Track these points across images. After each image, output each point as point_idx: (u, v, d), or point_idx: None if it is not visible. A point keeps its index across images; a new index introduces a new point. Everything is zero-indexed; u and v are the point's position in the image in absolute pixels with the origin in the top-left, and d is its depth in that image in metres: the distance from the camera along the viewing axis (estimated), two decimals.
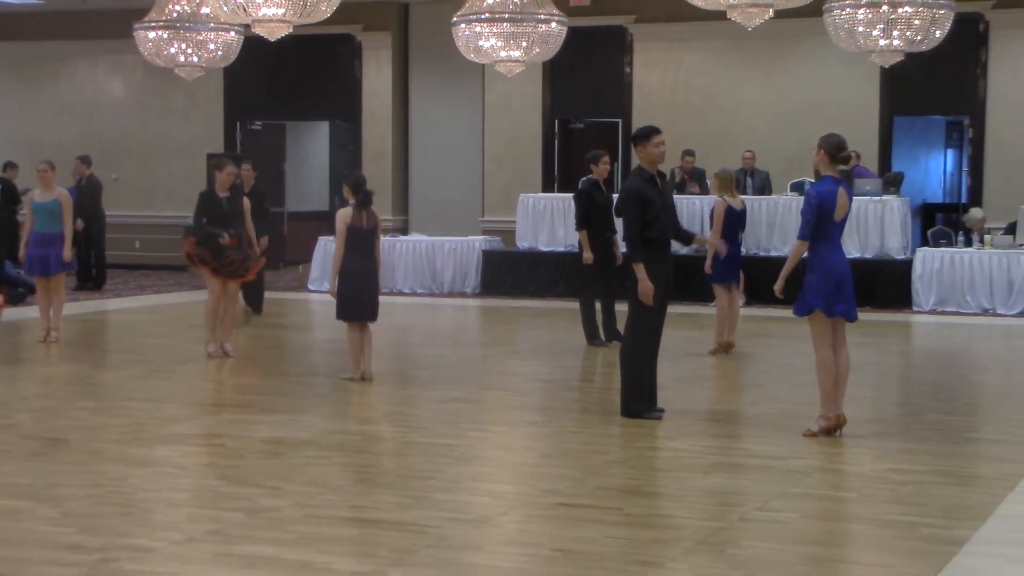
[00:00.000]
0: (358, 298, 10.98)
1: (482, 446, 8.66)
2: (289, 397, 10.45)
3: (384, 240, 20.04)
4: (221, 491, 7.20)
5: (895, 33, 13.45)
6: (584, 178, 13.85)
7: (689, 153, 19.42)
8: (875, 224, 17.99)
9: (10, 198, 17.28)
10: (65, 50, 24.54)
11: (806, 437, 8.65)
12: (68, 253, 13.34)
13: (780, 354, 13.36)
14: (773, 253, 17.93)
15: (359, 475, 7.76)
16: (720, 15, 13.19)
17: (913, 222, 19.09)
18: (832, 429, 8.68)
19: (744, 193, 19.00)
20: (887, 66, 14.62)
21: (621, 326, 12.28)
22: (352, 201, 10.96)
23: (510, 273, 19.27)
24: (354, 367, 11.13)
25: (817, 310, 8.57)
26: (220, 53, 15.33)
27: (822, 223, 8.55)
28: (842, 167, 8.71)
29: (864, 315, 16.65)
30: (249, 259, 12.74)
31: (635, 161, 9.83)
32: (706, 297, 13.34)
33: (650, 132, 9.33)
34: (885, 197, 18.07)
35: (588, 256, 13.15)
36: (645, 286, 9.03)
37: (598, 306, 13.44)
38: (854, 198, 17.81)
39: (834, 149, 8.65)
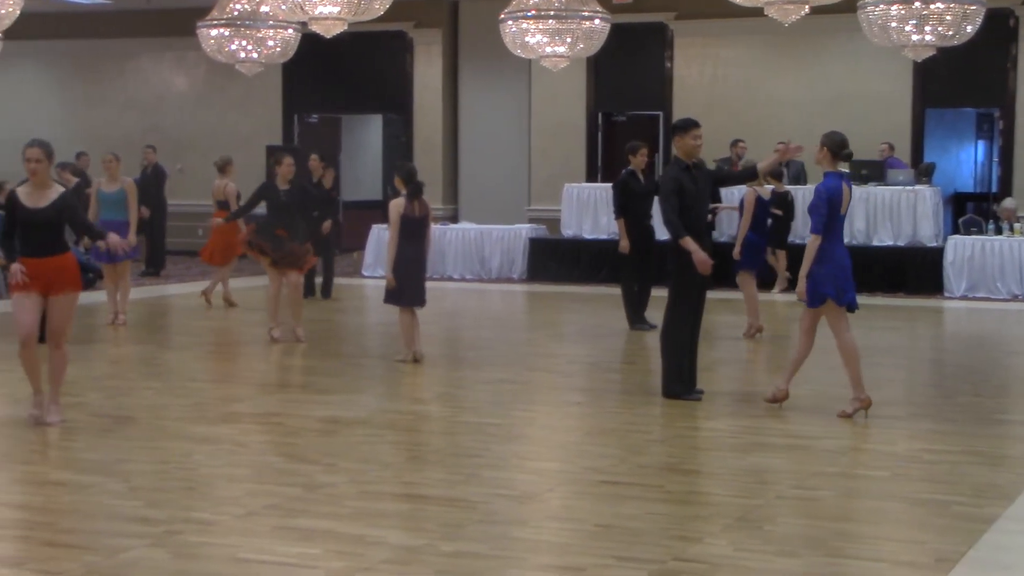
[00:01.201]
0: (411, 284, 10.99)
1: (528, 425, 8.66)
2: (344, 378, 10.49)
3: (435, 228, 20.06)
4: (280, 467, 7.23)
5: (927, 28, 13.32)
6: (629, 168, 13.82)
7: (740, 141, 19.23)
8: (908, 213, 17.83)
9: (83, 186, 17.44)
10: (130, 47, 24.69)
11: (841, 418, 8.63)
12: (133, 238, 13.44)
13: (820, 337, 13.26)
14: (807, 240, 17.83)
15: (410, 453, 7.78)
16: (757, 11, 13.11)
17: (944, 211, 18.90)
18: (867, 407, 8.68)
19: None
20: (919, 60, 14.48)
21: (652, 312, 12.29)
22: (404, 191, 10.97)
23: (555, 260, 19.25)
24: (407, 350, 11.14)
25: (829, 299, 8.62)
26: (279, 49, 15.38)
27: (830, 218, 8.61)
28: (843, 164, 8.76)
29: (896, 301, 16.76)
30: (308, 252, 12.60)
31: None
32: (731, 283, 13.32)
33: (689, 125, 9.34)
34: (917, 187, 17.90)
35: (624, 244, 13.12)
36: (699, 255, 8.95)
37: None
38: (890, 187, 18.01)
39: (837, 147, 8.76)
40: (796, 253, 17.11)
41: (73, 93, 25.26)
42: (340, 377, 10.53)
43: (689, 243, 8.98)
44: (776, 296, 16.75)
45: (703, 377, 9.66)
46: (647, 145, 13.75)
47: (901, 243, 17.75)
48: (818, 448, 7.77)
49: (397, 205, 10.90)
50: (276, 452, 7.73)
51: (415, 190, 10.96)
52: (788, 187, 17.16)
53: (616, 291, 14.14)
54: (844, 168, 8.92)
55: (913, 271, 17.47)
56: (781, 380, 9.08)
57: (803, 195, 18.30)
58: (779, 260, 17.07)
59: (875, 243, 17.85)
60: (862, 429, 8.40)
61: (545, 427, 8.69)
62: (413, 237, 10.93)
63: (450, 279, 19.32)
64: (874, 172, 18.49)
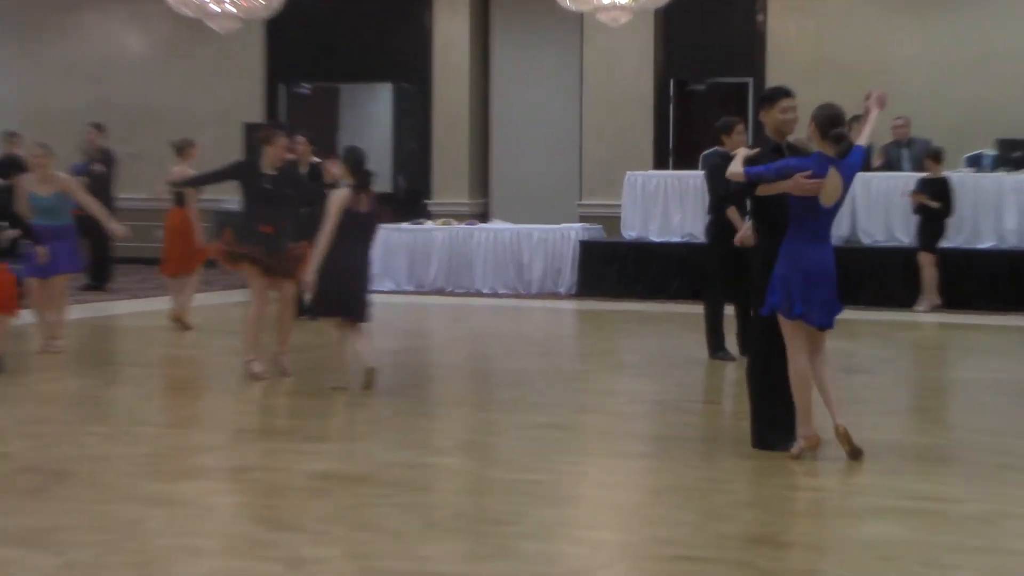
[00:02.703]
0: (351, 293, 11.32)
1: (578, 483, 8.59)
2: (341, 421, 10.46)
3: (460, 228, 20.14)
4: (257, 538, 7.18)
5: None
6: (710, 150, 13.73)
7: (855, 118, 19.05)
8: None
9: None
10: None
11: (792, 459, 8.86)
12: (116, 227, 13.64)
13: (955, 368, 13.16)
14: (963, 244, 17.79)
15: (425, 519, 7.72)
16: None
17: None
18: (814, 448, 8.87)
19: (897, 168, 18.80)
20: None
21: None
22: (350, 181, 11.29)
23: (613, 269, 19.23)
24: (344, 374, 11.46)
25: (778, 311, 8.80)
26: (261, 2, 15.41)
27: (805, 210, 8.69)
28: (837, 146, 8.80)
29: None
30: (304, 254, 12.43)
31: None
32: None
33: (776, 95, 9.33)
34: None
35: (745, 235, 12.21)
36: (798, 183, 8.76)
37: (729, 310, 13.30)
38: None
39: (826, 123, 8.78)
40: (953, 259, 17.22)
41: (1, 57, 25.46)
42: (335, 419, 10.50)
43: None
44: (920, 316, 16.69)
45: None
46: (743, 122, 13.66)
47: None
48: (956, 514, 7.67)
49: (340, 197, 11.21)
50: (252, 517, 7.68)
51: (363, 180, 11.34)
52: (945, 174, 17.12)
53: (695, 309, 14.06)
54: (833, 148, 8.85)
55: None
56: (808, 425, 8.97)
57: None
58: (926, 268, 17.01)
59: None
60: (1016, 489, 8.28)
61: (600, 485, 8.62)
62: (357, 237, 11.30)
63: (479, 294, 19.30)
64: None
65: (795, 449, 8.91)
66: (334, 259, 11.24)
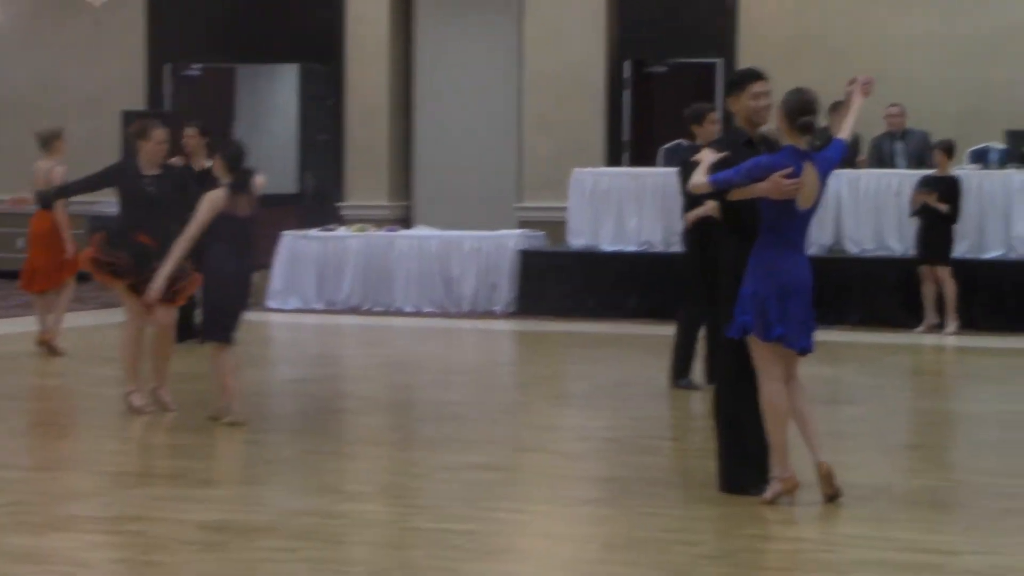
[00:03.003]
0: (233, 311, 11.52)
1: (517, 533, 8.64)
2: (236, 462, 10.47)
3: (378, 236, 20.16)
4: None
5: None
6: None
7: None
8: None
9: None
10: None
11: (766, 504, 8.90)
12: None
13: (954, 399, 13.29)
14: (965, 254, 17.74)
15: (338, 575, 7.76)
16: None
17: None
18: (792, 492, 8.93)
19: (889, 164, 18.86)
20: None
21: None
22: (227, 180, 11.40)
23: (558, 283, 19.25)
24: (232, 402, 11.50)
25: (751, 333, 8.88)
26: None
27: (780, 215, 8.78)
28: (805, 137, 8.87)
29: None
30: (185, 274, 12.39)
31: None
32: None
33: (746, 78, 9.37)
34: None
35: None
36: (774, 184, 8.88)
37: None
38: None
39: (793, 111, 8.86)
40: (974, 273, 17.25)
41: None
42: (229, 461, 10.52)
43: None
44: (940, 339, 16.78)
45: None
46: (715, 109, 13.79)
47: None
48: (957, 568, 7.76)
49: (213, 198, 11.33)
50: (134, 575, 7.69)
51: (242, 180, 11.42)
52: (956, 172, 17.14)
53: (654, 331, 14.14)
54: (807, 140, 8.99)
55: None
56: (784, 465, 9.04)
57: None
58: (942, 283, 17.02)
59: None
60: (1021, 537, 8.39)
61: (543, 536, 8.67)
62: (236, 244, 11.40)
63: (400, 313, 19.31)
64: None
65: (769, 493, 8.95)
66: (218, 272, 11.38)
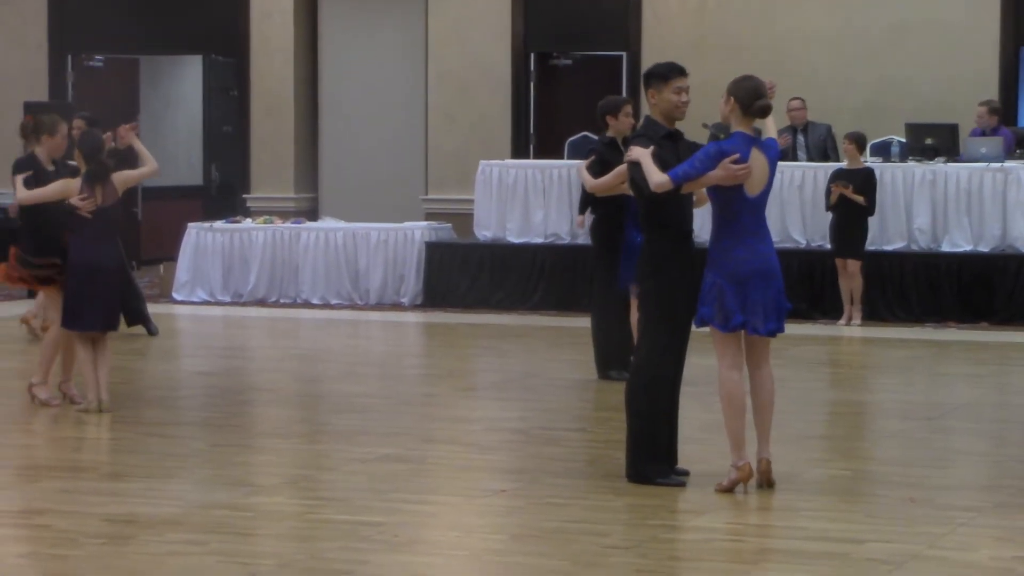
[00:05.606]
0: (96, 301, 11.57)
1: (425, 525, 8.64)
2: (145, 455, 10.39)
3: (284, 228, 20.07)
4: None
5: None
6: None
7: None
8: (994, 203, 17.97)
9: None
10: None
11: (720, 493, 9.00)
12: None
13: (858, 390, 13.39)
14: (872, 247, 17.77)
15: (246, 569, 7.73)
16: None
17: None
18: (747, 480, 9.02)
19: (792, 159, 18.91)
20: None
21: None
22: (83, 170, 11.60)
23: (465, 275, 19.24)
24: (92, 393, 11.60)
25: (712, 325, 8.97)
26: None
27: (727, 201, 8.87)
28: (759, 122, 8.99)
29: (979, 335, 16.91)
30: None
31: (646, 111, 9.85)
32: None
33: (670, 72, 9.39)
34: (1008, 164, 18.07)
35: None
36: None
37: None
38: (967, 165, 18.11)
39: (748, 97, 8.96)
40: (878, 265, 17.35)
41: None
42: (138, 454, 10.43)
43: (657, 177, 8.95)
44: (844, 330, 16.87)
45: (688, 451, 9.71)
46: (631, 102, 13.79)
47: (984, 248, 17.89)
48: (860, 556, 7.82)
49: (63, 184, 11.63)
50: (40, 572, 7.64)
51: (99, 170, 11.62)
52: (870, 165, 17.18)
53: (559, 322, 14.16)
54: (766, 128, 9.09)
55: (1003, 290, 17.62)
56: (741, 453, 9.15)
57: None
58: (851, 277, 17.09)
59: (945, 248, 17.99)
60: (926, 528, 8.45)
61: (452, 527, 8.67)
62: (96, 234, 11.58)
63: (307, 305, 19.25)
64: (945, 143, 18.59)
65: (726, 482, 9.01)
66: (79, 263, 11.57)
